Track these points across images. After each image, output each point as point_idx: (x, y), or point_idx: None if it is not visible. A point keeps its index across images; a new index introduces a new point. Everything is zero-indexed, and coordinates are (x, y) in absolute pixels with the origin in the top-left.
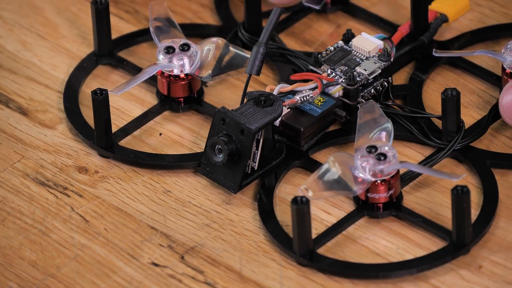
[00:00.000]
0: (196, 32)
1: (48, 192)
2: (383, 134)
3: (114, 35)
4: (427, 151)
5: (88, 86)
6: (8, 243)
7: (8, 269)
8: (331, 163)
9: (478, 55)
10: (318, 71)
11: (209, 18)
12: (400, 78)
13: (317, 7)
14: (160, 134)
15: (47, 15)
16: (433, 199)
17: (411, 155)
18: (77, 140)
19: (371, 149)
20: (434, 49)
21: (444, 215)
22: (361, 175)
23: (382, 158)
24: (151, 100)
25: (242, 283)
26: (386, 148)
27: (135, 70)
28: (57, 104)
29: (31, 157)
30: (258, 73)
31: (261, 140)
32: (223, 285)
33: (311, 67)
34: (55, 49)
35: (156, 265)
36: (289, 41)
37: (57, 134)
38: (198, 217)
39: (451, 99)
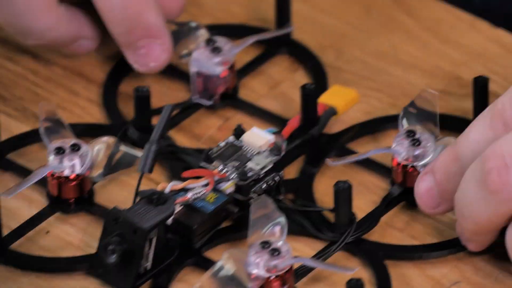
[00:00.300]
0: (85, 131)
1: None
2: (277, 229)
3: (3, 133)
4: (320, 245)
5: None
6: None
7: None
8: (225, 260)
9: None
10: (210, 167)
11: (98, 114)
12: (292, 171)
13: (208, 103)
14: (47, 232)
15: None
16: None
17: (304, 250)
18: None
19: (265, 244)
20: (328, 160)
21: None
22: (255, 271)
23: (276, 253)
24: (42, 200)
25: None
26: (280, 243)
27: (25, 172)
28: None
29: None
30: (150, 171)
31: (154, 239)
32: None
33: (202, 164)
34: None
35: None
36: (179, 137)
37: None
38: None
39: (343, 192)
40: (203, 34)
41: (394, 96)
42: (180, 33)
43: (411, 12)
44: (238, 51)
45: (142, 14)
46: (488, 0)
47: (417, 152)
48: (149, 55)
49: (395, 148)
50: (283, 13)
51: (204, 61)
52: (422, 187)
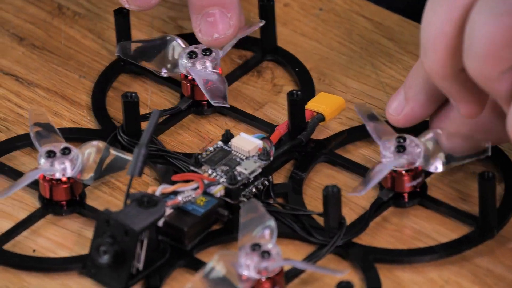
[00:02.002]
0: (75, 136)
1: None
2: (267, 232)
3: None
4: (310, 248)
5: None
6: None
7: None
8: (216, 262)
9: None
10: (199, 171)
11: (85, 120)
12: (280, 176)
13: (227, 105)
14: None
15: None
16: None
17: (294, 253)
18: None
19: (255, 247)
20: (352, 193)
21: None
22: (245, 273)
23: (266, 255)
24: (35, 203)
25: None
26: (270, 245)
27: (16, 175)
28: None
29: None
30: (140, 174)
31: (145, 240)
32: None
33: (192, 168)
34: None
35: None
36: (168, 142)
37: None
38: None
39: (332, 196)
40: (179, 43)
41: (382, 106)
42: (157, 46)
43: (391, 36)
44: (224, 55)
45: None
46: None
47: (404, 158)
48: (216, 25)
49: (385, 157)
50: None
51: (202, 68)
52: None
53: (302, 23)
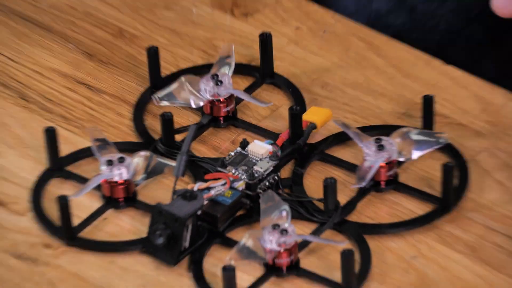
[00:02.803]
0: (125, 148)
1: (23, 263)
2: (284, 214)
3: (68, 145)
4: (312, 226)
5: (49, 191)
6: None
7: None
8: (246, 238)
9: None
10: (225, 171)
11: (130, 134)
12: (285, 172)
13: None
14: (105, 218)
15: (13, 130)
16: (323, 261)
17: (301, 230)
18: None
19: (275, 226)
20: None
21: (333, 272)
22: (269, 246)
23: (284, 232)
24: (99, 200)
25: None
26: (286, 224)
27: (83, 180)
28: (26, 197)
29: (8, 237)
30: (183, 175)
31: (190, 225)
32: None
33: (219, 169)
34: (22, 156)
35: None
36: (200, 147)
37: (27, 220)
38: (147, 282)
39: (331, 185)
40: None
41: (366, 118)
42: (176, 90)
43: (380, 53)
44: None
45: None
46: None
47: (384, 154)
48: None
49: (368, 156)
50: (266, 57)
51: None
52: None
53: (310, 42)
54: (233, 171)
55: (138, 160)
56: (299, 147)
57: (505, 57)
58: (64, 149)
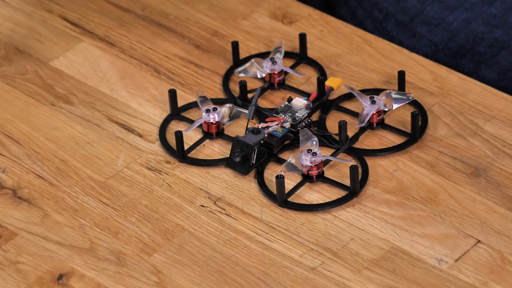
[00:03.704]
0: (217, 102)
1: (152, 172)
2: (314, 143)
3: (182, 100)
4: (331, 151)
5: (170, 128)
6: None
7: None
8: (291, 158)
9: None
10: (278, 116)
11: (220, 93)
12: (315, 117)
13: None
14: (204, 144)
15: (150, 91)
16: (339, 172)
17: (324, 153)
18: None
19: (309, 150)
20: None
21: (345, 180)
22: (304, 163)
23: (314, 154)
24: (200, 134)
25: (243, 214)
26: (316, 150)
27: (191, 121)
28: (156, 132)
29: (143, 156)
30: (252, 118)
31: (256, 149)
32: (234, 215)
33: (274, 115)
34: (154, 106)
35: (202, 206)
36: (263, 101)
37: (156, 146)
38: (228, 185)
39: (344, 125)
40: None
41: (364, 84)
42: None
43: (371, 45)
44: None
45: None
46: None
47: (376, 105)
48: None
49: (366, 107)
50: (303, 47)
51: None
52: None
53: (329, 39)
54: (283, 116)
55: (225, 109)
56: (323, 102)
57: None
58: (180, 102)
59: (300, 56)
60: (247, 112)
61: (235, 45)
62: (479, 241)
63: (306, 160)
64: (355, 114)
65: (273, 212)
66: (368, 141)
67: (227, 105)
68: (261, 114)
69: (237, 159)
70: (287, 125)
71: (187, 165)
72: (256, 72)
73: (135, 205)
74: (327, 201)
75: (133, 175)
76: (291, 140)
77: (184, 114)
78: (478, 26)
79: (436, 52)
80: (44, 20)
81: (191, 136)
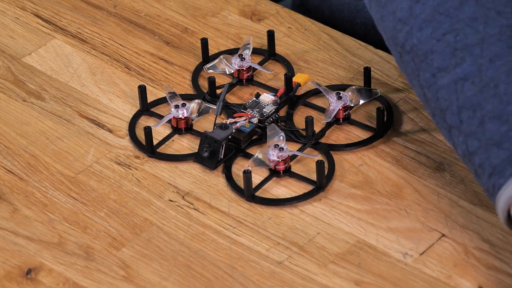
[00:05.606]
0: (186, 97)
1: (121, 167)
2: (281, 138)
3: (151, 96)
4: (298, 146)
5: (140, 123)
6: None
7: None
8: (258, 153)
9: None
10: (246, 112)
11: (189, 89)
12: (282, 112)
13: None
14: (173, 140)
15: (121, 87)
16: (305, 167)
17: (291, 148)
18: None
19: (276, 145)
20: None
21: (312, 174)
22: (272, 158)
23: (281, 149)
24: (168, 129)
25: (211, 208)
26: (283, 145)
27: (160, 117)
28: (126, 127)
29: (113, 151)
30: (220, 114)
31: (224, 145)
32: (202, 209)
33: (242, 110)
34: (124, 102)
35: (171, 201)
36: (231, 97)
37: (125, 141)
38: (196, 179)
39: (310, 121)
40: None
41: (331, 80)
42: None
43: (338, 42)
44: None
45: None
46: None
47: (342, 101)
48: None
49: (332, 103)
50: (271, 44)
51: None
52: None
53: (297, 36)
54: (251, 111)
55: (194, 105)
56: (290, 97)
57: None
58: (150, 98)
59: (268, 53)
60: (215, 107)
61: (204, 42)
62: (443, 235)
63: (273, 155)
64: (322, 110)
65: (240, 206)
66: (335, 136)
67: (196, 100)
68: (229, 110)
69: (205, 154)
70: (255, 120)
71: (156, 160)
72: (225, 68)
73: (104, 200)
74: (294, 195)
75: (102, 170)
76: (258, 135)
77: (154, 109)
78: None
79: None
80: (17, 17)
81: (160, 131)
